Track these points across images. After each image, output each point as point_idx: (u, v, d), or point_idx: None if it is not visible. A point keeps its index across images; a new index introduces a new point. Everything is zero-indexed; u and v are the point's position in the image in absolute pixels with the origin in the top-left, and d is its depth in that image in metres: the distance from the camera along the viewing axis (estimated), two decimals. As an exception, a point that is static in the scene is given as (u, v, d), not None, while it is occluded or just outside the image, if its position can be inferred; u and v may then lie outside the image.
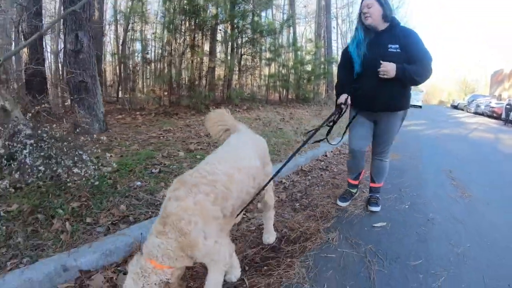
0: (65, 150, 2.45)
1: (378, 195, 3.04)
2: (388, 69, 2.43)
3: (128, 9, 8.47)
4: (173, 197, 1.45)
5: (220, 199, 1.54)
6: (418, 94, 30.87)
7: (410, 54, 2.48)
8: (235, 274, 1.83)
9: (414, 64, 2.46)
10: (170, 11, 7.87)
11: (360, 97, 2.69)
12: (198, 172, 1.57)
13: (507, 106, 16.07)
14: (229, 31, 8.90)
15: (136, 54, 8.93)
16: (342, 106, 2.68)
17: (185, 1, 7.61)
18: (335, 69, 19.88)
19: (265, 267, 1.96)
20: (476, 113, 24.88)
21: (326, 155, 4.88)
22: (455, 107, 36.45)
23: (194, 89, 7.71)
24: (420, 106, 29.22)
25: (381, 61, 2.45)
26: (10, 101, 2.71)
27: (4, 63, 2.84)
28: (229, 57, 9.13)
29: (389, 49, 2.53)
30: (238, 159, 1.77)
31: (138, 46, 8.95)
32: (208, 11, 8.13)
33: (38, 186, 2.29)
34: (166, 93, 7.90)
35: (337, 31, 28.11)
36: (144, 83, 9.91)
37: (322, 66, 14.59)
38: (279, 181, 3.50)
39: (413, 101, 28.96)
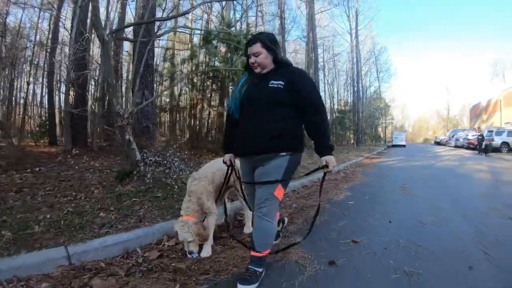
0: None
1: (255, 269, 2.27)
2: (334, 163, 2.27)
3: (166, 70, 11.20)
4: (192, 183, 2.91)
5: (211, 183, 2.96)
6: (401, 134, 33.38)
7: (296, 89, 2.24)
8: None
9: (307, 108, 2.26)
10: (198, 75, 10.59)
11: (237, 142, 2.49)
12: (199, 173, 3.03)
13: (479, 137, 18.39)
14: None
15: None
16: (228, 166, 2.68)
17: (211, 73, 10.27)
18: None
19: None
20: (456, 146, 27.19)
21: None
22: (438, 143, 39.15)
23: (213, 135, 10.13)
24: (404, 145, 31.43)
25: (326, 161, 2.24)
26: (131, 136, 4.62)
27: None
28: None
29: (270, 85, 2.28)
30: (216, 166, 3.13)
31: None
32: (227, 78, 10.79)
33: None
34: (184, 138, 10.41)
35: (324, 81, 31.31)
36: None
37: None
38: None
39: (397, 141, 31.51)
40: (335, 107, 31.14)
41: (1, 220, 2.84)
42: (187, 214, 2.82)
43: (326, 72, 31.98)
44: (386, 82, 38.56)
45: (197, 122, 10.92)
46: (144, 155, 4.82)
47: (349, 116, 25.73)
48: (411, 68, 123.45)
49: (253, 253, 2.31)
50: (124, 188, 4.13)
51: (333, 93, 33.00)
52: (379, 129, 44.05)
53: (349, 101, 31.23)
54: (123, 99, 9.35)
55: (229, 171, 2.71)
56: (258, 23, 17.75)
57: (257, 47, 2.33)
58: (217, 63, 10.83)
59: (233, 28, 11.33)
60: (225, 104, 10.98)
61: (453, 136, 30.84)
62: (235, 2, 13.22)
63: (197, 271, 2.41)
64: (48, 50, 12.30)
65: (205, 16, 13.84)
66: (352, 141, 27.23)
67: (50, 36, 12.62)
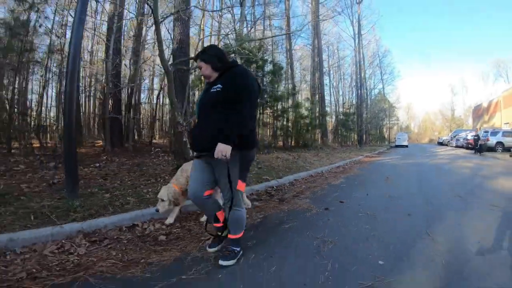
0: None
1: (233, 248, 2.74)
2: (220, 149, 2.42)
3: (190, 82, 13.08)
4: (186, 164, 3.76)
5: None
6: (404, 135, 34.49)
7: (230, 93, 2.53)
8: None
9: (234, 105, 2.49)
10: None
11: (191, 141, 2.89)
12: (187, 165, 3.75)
13: (475, 137, 19.56)
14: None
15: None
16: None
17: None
18: (328, 120, 24.08)
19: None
20: (457, 146, 28.22)
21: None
22: (441, 143, 40.32)
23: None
24: (407, 146, 32.66)
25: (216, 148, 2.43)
26: (187, 138, 6.21)
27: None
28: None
29: (211, 90, 2.62)
30: None
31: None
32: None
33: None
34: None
35: (330, 85, 32.78)
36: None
37: (318, 120, 18.67)
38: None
39: (400, 142, 32.58)
40: (340, 109, 32.64)
41: (121, 194, 4.46)
42: (174, 183, 3.60)
43: (331, 77, 33.60)
44: (390, 84, 39.99)
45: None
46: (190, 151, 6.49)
47: (352, 119, 27.04)
48: (417, 69, 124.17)
49: (230, 236, 2.79)
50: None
51: (338, 96, 34.53)
52: (384, 130, 45.25)
53: (354, 102, 32.39)
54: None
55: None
56: (267, 34, 19.42)
57: (199, 63, 2.79)
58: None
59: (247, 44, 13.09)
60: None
61: (454, 137, 31.85)
62: (245, 18, 15.12)
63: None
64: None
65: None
66: (356, 142, 28.60)
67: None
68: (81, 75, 14.47)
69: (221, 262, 2.61)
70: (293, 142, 16.80)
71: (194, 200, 2.80)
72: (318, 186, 6.10)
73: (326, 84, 28.98)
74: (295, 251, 2.83)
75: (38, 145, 9.31)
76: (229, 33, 14.90)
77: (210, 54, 2.77)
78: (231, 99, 2.54)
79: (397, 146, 32.42)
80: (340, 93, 35.47)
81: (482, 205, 4.58)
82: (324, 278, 2.31)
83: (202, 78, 3.10)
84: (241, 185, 2.72)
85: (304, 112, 17.12)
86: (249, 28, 16.42)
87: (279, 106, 15.22)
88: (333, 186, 6.15)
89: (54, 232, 2.88)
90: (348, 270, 2.43)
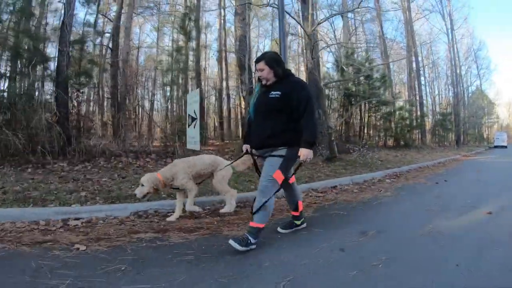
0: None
1: (249, 236, 2.86)
2: (305, 154, 2.90)
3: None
4: (176, 160, 4.03)
5: (191, 168, 3.93)
6: (503, 134, 33.38)
7: (291, 100, 2.94)
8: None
9: (302, 115, 2.94)
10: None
11: (251, 139, 3.32)
12: (188, 158, 4.13)
13: None
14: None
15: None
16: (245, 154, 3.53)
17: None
18: (426, 120, 25.41)
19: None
20: None
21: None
22: (549, 143, 37.63)
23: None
24: (505, 146, 32.00)
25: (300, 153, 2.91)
26: (333, 137, 9.69)
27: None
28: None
29: (270, 96, 3.00)
30: (199, 158, 4.19)
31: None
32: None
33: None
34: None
35: (425, 84, 32.73)
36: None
37: (416, 121, 20.90)
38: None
39: (499, 142, 31.78)
40: (437, 109, 32.74)
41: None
42: (159, 173, 3.82)
43: (426, 75, 33.65)
44: (488, 79, 37.52)
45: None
46: (336, 148, 9.90)
47: (449, 118, 27.53)
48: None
49: (251, 223, 2.95)
50: (331, 165, 9.22)
51: (434, 95, 34.39)
52: (483, 129, 43.18)
53: (450, 101, 32.45)
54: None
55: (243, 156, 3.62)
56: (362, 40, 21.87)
57: (261, 64, 3.04)
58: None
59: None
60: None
61: None
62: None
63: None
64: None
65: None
66: (453, 142, 29.06)
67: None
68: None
69: (231, 242, 2.82)
70: (393, 142, 19.38)
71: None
72: (427, 173, 8.98)
73: (422, 84, 29.49)
74: (422, 196, 5.65)
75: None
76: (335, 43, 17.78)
77: (273, 59, 3.07)
78: (293, 107, 2.96)
79: (496, 147, 31.83)
80: (436, 92, 35.14)
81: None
82: (439, 206, 4.87)
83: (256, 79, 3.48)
84: (278, 175, 2.97)
85: (405, 113, 19.53)
86: (349, 36, 19.38)
87: (385, 110, 17.98)
88: (438, 174, 8.99)
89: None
90: (453, 203, 5.13)
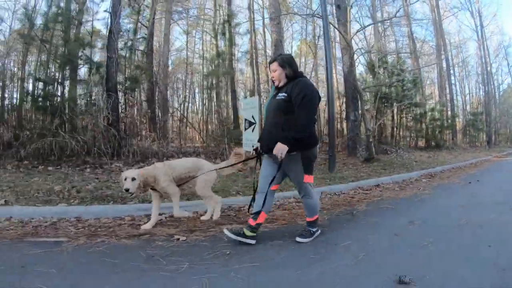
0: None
1: (309, 228, 3.34)
2: (277, 148, 2.91)
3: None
4: (158, 163, 4.02)
5: (172, 170, 3.88)
6: None
7: (293, 100, 2.98)
8: None
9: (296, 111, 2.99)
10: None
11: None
12: (170, 161, 4.21)
13: None
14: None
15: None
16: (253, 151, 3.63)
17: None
18: (457, 121, 25.31)
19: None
20: None
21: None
22: None
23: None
24: None
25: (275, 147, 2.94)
26: (372, 138, 10.47)
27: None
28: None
29: (277, 97, 3.10)
30: (180, 162, 4.32)
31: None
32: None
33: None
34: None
35: (455, 83, 32.24)
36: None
37: (447, 121, 21.15)
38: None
39: None
40: (467, 108, 32.06)
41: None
42: (142, 171, 3.78)
43: (456, 74, 33.11)
44: None
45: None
46: (374, 148, 10.63)
47: (480, 118, 27.12)
48: None
49: (307, 218, 3.37)
50: (370, 165, 9.94)
51: (465, 94, 33.78)
52: None
53: (481, 100, 31.72)
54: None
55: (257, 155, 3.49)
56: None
57: (274, 65, 3.14)
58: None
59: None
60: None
61: None
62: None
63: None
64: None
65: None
66: (485, 142, 28.67)
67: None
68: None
69: (298, 239, 3.21)
70: (425, 143, 19.77)
71: (261, 192, 3.25)
72: (460, 173, 9.58)
73: (452, 83, 29.11)
74: (457, 194, 6.36)
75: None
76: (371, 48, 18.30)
77: (286, 60, 3.15)
78: (294, 107, 3.00)
79: None
80: (467, 91, 34.50)
81: None
82: (472, 203, 5.57)
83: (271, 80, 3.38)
84: (308, 178, 3.18)
85: (436, 114, 19.87)
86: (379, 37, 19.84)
87: (417, 111, 18.42)
88: (470, 174, 9.58)
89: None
90: (485, 200, 5.77)
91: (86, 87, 10.53)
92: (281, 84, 3.18)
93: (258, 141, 3.48)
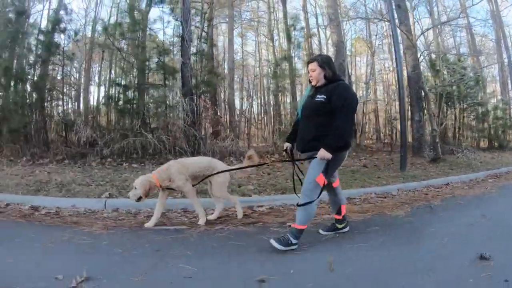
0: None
1: (289, 237, 3.08)
2: (321, 154, 2.95)
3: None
4: (172, 161, 3.99)
5: (186, 169, 3.91)
6: None
7: (333, 103, 2.99)
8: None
9: (336, 116, 2.99)
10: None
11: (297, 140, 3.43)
12: (183, 159, 4.22)
13: None
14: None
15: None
16: (284, 152, 3.63)
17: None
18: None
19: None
20: None
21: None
22: None
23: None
24: None
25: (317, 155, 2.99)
26: (438, 138, 10.94)
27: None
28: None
29: (316, 99, 3.10)
30: (194, 160, 4.30)
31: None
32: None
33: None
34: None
35: None
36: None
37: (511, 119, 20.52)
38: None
39: None
40: None
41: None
42: (155, 174, 3.79)
43: None
44: None
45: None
46: (440, 148, 11.06)
47: None
48: None
49: (293, 224, 3.19)
50: (437, 165, 10.33)
51: None
52: None
53: None
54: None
55: (288, 156, 3.68)
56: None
57: (313, 65, 3.15)
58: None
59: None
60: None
61: None
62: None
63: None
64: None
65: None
66: None
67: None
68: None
69: (271, 241, 3.06)
70: (487, 143, 19.35)
71: (327, 191, 3.42)
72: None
73: None
74: None
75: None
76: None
77: (326, 61, 3.17)
78: (334, 111, 3.01)
79: None
80: None
81: None
82: None
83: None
84: (320, 178, 3.07)
85: (500, 113, 19.41)
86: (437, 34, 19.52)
87: (480, 110, 18.20)
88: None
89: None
90: None
91: (164, 91, 11.48)
92: (319, 84, 3.24)
93: (288, 140, 3.68)
